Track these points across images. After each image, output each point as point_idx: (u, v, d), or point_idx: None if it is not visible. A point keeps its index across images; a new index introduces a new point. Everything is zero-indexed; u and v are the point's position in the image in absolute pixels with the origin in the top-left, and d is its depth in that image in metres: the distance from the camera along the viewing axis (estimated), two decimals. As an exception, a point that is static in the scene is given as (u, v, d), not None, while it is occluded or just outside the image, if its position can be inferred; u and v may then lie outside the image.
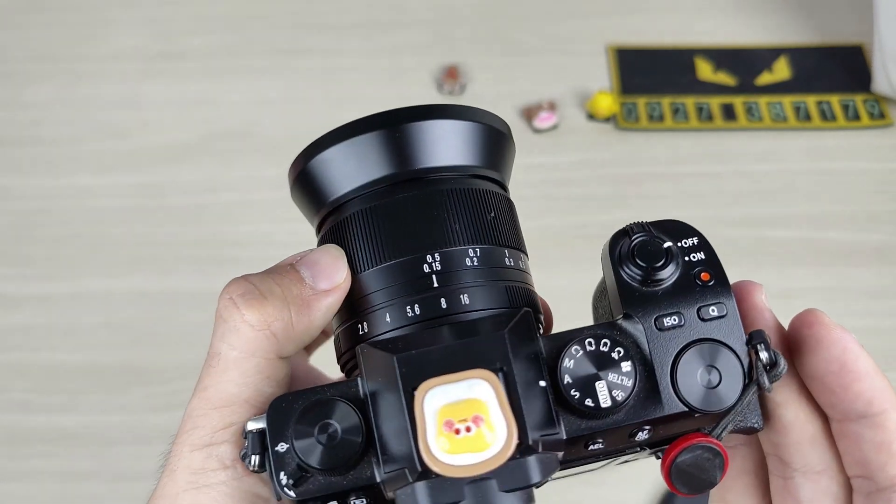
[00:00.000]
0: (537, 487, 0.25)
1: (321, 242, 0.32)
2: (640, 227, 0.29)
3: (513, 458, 0.24)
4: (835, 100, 0.81)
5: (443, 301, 0.28)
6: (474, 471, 0.24)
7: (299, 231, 0.69)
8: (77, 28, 0.89)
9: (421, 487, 0.25)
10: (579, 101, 0.81)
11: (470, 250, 0.29)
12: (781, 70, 0.83)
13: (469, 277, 0.29)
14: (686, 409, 0.27)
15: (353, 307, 0.30)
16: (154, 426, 0.65)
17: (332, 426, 0.26)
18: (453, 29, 0.88)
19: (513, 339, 0.26)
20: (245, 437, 0.27)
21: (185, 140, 0.80)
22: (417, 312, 0.28)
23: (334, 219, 0.31)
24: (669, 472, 0.28)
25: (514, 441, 0.24)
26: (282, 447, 0.26)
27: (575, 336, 0.27)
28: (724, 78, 0.83)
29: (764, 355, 0.27)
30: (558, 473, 0.28)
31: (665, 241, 0.29)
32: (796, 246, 0.72)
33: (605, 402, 0.26)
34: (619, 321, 0.28)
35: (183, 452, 0.28)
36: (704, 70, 0.84)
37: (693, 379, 0.27)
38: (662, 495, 0.61)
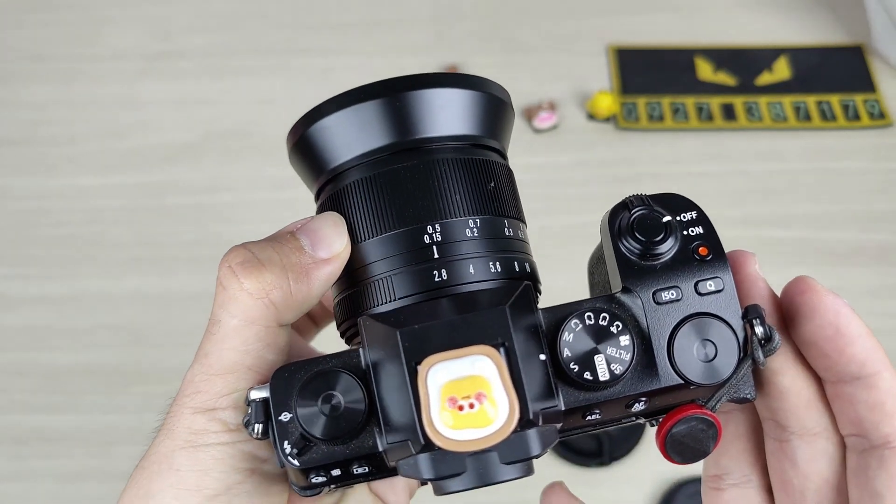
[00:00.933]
0: (537, 458, 0.26)
1: (320, 210, 0.32)
2: (640, 200, 0.30)
3: (514, 431, 0.25)
4: (835, 100, 0.81)
5: (443, 272, 0.28)
6: (476, 445, 0.24)
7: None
8: (77, 28, 0.89)
9: (424, 459, 0.25)
10: (579, 101, 0.81)
11: (470, 221, 0.29)
12: (781, 70, 0.83)
13: (469, 248, 0.29)
14: (682, 381, 0.27)
15: (353, 276, 0.30)
16: (154, 426, 0.65)
17: (335, 397, 0.26)
18: (453, 28, 0.88)
19: (514, 313, 0.26)
20: (248, 405, 0.27)
21: (184, 140, 0.80)
22: (418, 283, 0.28)
23: (333, 187, 0.31)
24: (665, 442, 0.28)
25: (516, 417, 0.25)
26: (285, 416, 0.27)
27: (574, 309, 0.27)
28: (724, 78, 0.83)
29: (759, 330, 0.27)
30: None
31: (664, 215, 0.29)
32: (796, 246, 0.72)
33: (603, 375, 0.26)
34: (618, 294, 0.28)
35: (184, 414, 0.28)
36: (704, 70, 0.84)
37: (689, 352, 0.27)
38: (662, 495, 0.61)
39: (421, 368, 0.25)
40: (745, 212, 0.74)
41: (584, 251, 0.76)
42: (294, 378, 0.27)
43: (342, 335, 0.31)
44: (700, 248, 0.28)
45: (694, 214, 0.29)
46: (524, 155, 0.78)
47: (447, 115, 0.30)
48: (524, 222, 0.32)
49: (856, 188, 0.75)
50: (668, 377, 0.27)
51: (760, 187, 0.75)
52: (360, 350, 0.27)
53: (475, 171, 0.30)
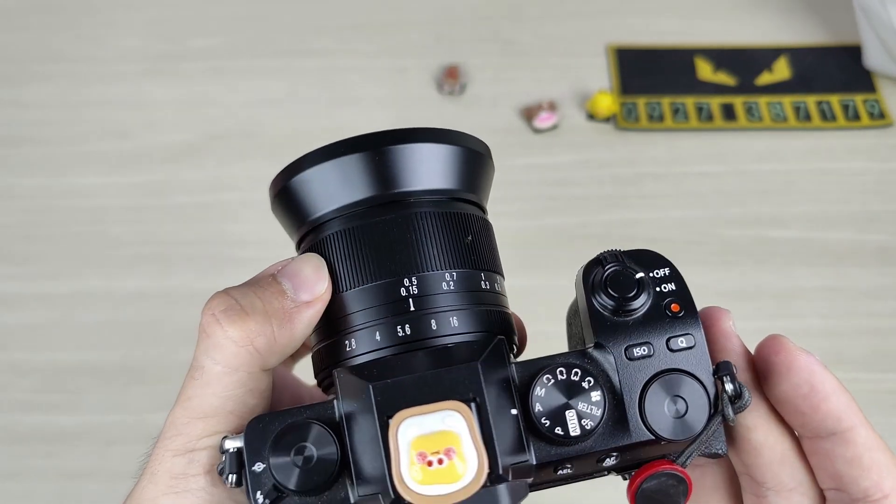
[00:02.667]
0: None
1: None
2: (614, 256, 0.30)
3: (484, 486, 0.25)
4: (835, 100, 0.81)
5: (419, 325, 0.29)
6: (446, 501, 0.25)
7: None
8: (81, 29, 0.89)
9: None
10: (579, 101, 0.81)
11: (447, 274, 0.29)
12: (781, 70, 0.83)
13: (445, 301, 0.29)
14: (653, 437, 0.28)
15: (331, 326, 0.30)
16: (154, 426, 0.65)
17: (308, 449, 0.27)
18: (453, 29, 0.88)
19: (486, 369, 0.27)
20: (222, 454, 0.28)
21: (186, 140, 0.80)
22: (393, 335, 0.29)
23: (313, 238, 0.31)
24: (636, 498, 0.29)
25: (485, 472, 0.25)
26: (258, 467, 0.27)
27: (547, 364, 0.28)
28: (724, 78, 0.83)
29: (729, 387, 0.28)
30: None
31: (637, 272, 0.29)
32: (796, 246, 0.72)
33: (574, 430, 0.27)
34: (591, 350, 0.29)
35: (165, 457, 0.29)
36: (704, 70, 0.84)
37: (660, 408, 0.28)
38: None
39: (392, 422, 0.25)
40: (745, 212, 0.74)
41: (583, 251, 0.76)
42: (268, 429, 0.27)
43: (319, 384, 0.32)
44: (672, 305, 0.29)
45: (667, 271, 0.30)
46: (524, 155, 0.78)
47: (426, 170, 0.30)
48: (501, 275, 0.33)
49: (855, 188, 0.75)
50: (638, 432, 0.28)
51: (760, 187, 0.75)
52: (335, 402, 0.28)
53: (452, 224, 0.30)
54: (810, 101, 0.81)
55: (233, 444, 0.27)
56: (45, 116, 0.83)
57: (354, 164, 0.30)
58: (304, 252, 0.32)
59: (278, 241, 0.74)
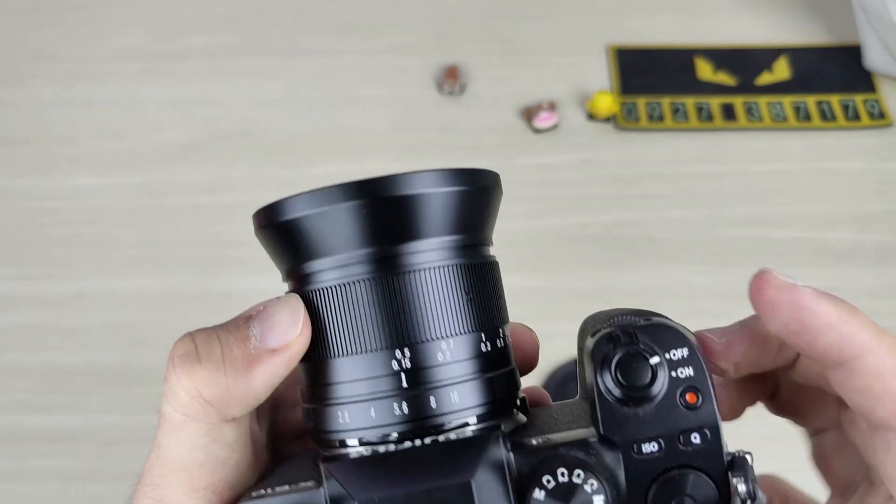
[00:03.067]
0: None
1: None
2: (628, 335, 0.27)
3: None
4: (835, 100, 0.81)
5: (416, 403, 0.27)
6: None
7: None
8: (77, 28, 0.89)
9: None
10: (579, 101, 0.81)
11: (443, 343, 0.27)
12: (781, 70, 0.83)
13: (441, 375, 0.27)
14: None
15: (320, 390, 0.28)
16: (154, 426, 0.65)
17: None
18: (453, 29, 0.88)
19: (480, 485, 0.25)
20: None
21: (184, 140, 0.80)
22: (390, 413, 0.27)
23: (298, 285, 0.29)
24: None
25: None
26: None
27: (547, 458, 0.26)
28: (724, 78, 0.83)
29: (742, 488, 0.26)
30: None
31: (652, 355, 0.27)
32: (796, 246, 0.72)
33: None
34: (595, 442, 0.27)
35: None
36: (704, 70, 0.84)
37: None
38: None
39: None
40: (745, 212, 0.74)
41: (583, 251, 0.76)
42: None
43: (308, 433, 0.30)
44: (688, 395, 0.27)
45: (685, 352, 0.27)
46: (524, 155, 0.78)
47: (424, 221, 0.27)
48: (505, 319, 0.30)
49: (855, 188, 0.75)
50: None
51: (760, 187, 0.75)
52: (321, 490, 0.26)
53: (452, 282, 0.27)
54: (810, 101, 0.81)
55: None
56: (41, 116, 0.83)
57: (344, 213, 0.27)
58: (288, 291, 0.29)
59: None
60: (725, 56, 0.85)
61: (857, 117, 0.79)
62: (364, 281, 0.27)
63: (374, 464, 0.26)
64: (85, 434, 0.65)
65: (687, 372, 0.27)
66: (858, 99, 0.81)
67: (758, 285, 0.28)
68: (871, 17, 0.78)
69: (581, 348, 0.31)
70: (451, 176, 0.27)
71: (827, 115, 0.80)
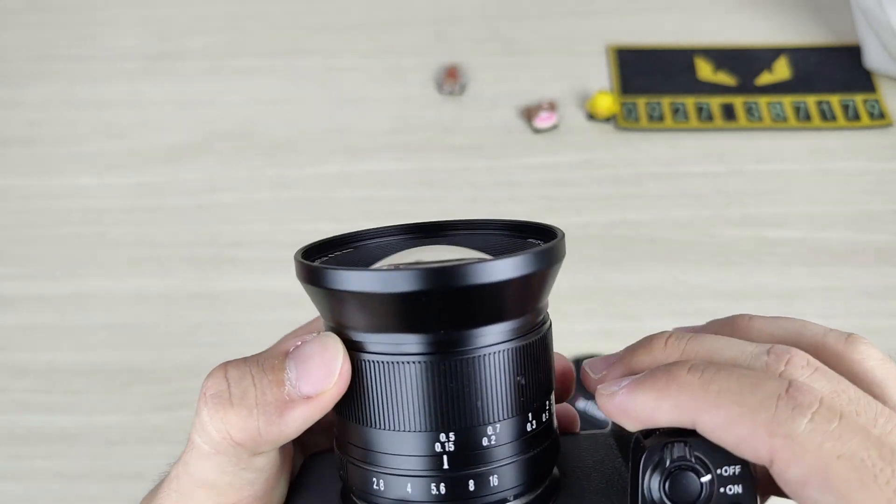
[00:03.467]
0: None
1: None
2: (682, 448, 0.25)
3: None
4: (835, 100, 0.81)
5: (454, 485, 0.26)
6: None
7: (299, 231, 0.69)
8: (77, 28, 0.89)
9: None
10: (579, 101, 0.81)
11: (489, 428, 0.26)
12: (781, 70, 0.83)
13: (484, 459, 0.26)
14: None
15: (351, 448, 0.28)
16: (154, 426, 0.65)
17: None
18: (453, 29, 0.88)
19: None
20: None
21: (184, 140, 0.80)
22: (426, 493, 0.26)
23: (345, 345, 0.28)
24: None
25: None
26: None
27: None
28: (724, 78, 0.83)
29: None
30: None
31: (704, 473, 0.25)
32: (796, 246, 0.72)
33: None
34: None
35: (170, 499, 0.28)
36: (704, 70, 0.84)
37: None
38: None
39: None
40: (745, 212, 0.74)
41: (583, 251, 0.76)
42: None
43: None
44: None
45: (737, 470, 0.25)
46: (524, 155, 0.78)
47: (493, 308, 0.26)
48: (552, 387, 0.29)
49: (855, 188, 0.75)
50: None
51: (760, 187, 0.75)
52: None
53: (504, 367, 0.26)
54: (810, 101, 0.81)
55: None
56: (42, 116, 0.83)
57: (403, 300, 0.25)
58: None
59: (277, 242, 0.74)
60: (725, 56, 0.85)
61: (857, 117, 0.79)
62: (416, 364, 0.26)
63: None
64: (85, 434, 0.65)
65: (736, 490, 0.25)
66: (858, 99, 0.81)
67: (600, 404, 0.27)
68: (871, 19, 0.78)
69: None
70: (525, 261, 0.25)
71: (827, 115, 0.80)
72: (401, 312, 0.25)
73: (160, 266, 0.73)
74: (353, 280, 0.25)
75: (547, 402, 0.28)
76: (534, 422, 0.27)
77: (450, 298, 0.25)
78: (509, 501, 0.27)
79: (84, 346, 0.69)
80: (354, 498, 0.28)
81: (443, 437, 0.26)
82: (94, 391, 0.67)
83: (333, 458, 0.29)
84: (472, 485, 0.26)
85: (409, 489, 0.26)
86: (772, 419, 0.23)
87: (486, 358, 0.26)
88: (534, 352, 0.27)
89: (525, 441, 0.27)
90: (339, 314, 0.27)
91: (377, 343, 0.26)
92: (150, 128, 0.82)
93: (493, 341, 0.26)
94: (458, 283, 0.25)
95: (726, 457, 0.25)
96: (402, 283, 0.25)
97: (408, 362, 0.26)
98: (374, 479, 0.27)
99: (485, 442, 0.26)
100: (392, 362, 0.26)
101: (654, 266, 0.71)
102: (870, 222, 0.73)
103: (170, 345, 0.69)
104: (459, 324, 0.26)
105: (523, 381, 0.27)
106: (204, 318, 0.70)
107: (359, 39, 0.87)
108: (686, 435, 0.25)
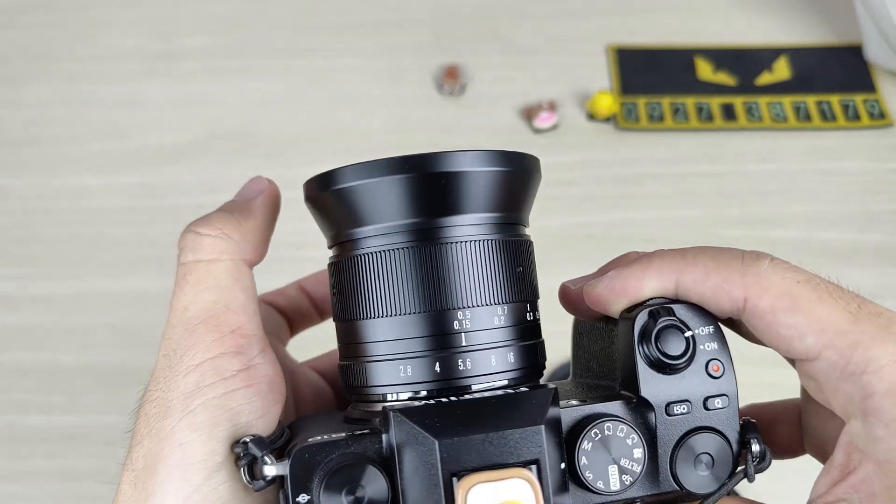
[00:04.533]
0: None
1: (336, 267, 0.32)
2: (666, 311, 0.30)
3: None
4: (835, 100, 0.81)
5: (468, 361, 0.29)
6: None
7: (299, 231, 0.69)
8: (77, 28, 0.89)
9: None
10: (579, 101, 0.81)
11: (498, 308, 0.30)
12: (781, 70, 0.83)
13: (495, 337, 0.30)
14: (678, 489, 0.30)
15: (375, 346, 0.30)
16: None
17: (361, 490, 0.27)
18: (453, 29, 0.88)
19: (547, 431, 0.28)
20: (264, 481, 0.28)
21: (184, 140, 0.80)
22: (453, 368, 0.29)
23: (349, 248, 0.31)
24: None
25: None
26: (303, 498, 0.27)
27: (593, 416, 0.29)
28: (724, 78, 0.83)
29: (756, 448, 0.30)
30: None
31: (686, 330, 0.30)
32: (796, 246, 0.72)
33: (615, 485, 0.29)
34: (635, 403, 0.30)
35: (175, 381, 0.30)
36: (704, 70, 0.84)
37: (689, 463, 0.30)
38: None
39: (460, 486, 0.26)
40: (745, 212, 0.74)
41: (583, 251, 0.76)
42: (314, 461, 0.27)
43: (348, 393, 0.32)
44: (713, 366, 0.30)
45: (712, 329, 0.31)
46: (524, 155, 0.78)
47: (484, 195, 0.30)
48: (538, 295, 0.33)
49: (855, 188, 0.75)
50: (667, 484, 0.30)
51: (760, 187, 0.75)
52: (384, 437, 0.28)
53: (506, 255, 0.30)
54: (810, 101, 0.81)
55: (274, 471, 0.27)
56: (41, 117, 0.83)
57: (410, 183, 0.30)
58: (343, 260, 0.31)
59: (278, 241, 0.74)
60: (725, 56, 0.85)
61: (857, 117, 0.79)
62: (435, 247, 0.29)
63: (442, 412, 0.28)
64: (85, 434, 0.65)
65: (712, 346, 0.31)
66: (858, 99, 0.81)
67: (587, 293, 0.32)
68: (872, 12, 0.78)
69: (578, 332, 0.36)
70: (497, 157, 0.31)
71: (827, 115, 0.80)
72: (415, 195, 0.30)
73: (160, 266, 0.73)
74: (352, 173, 0.30)
75: (537, 301, 0.32)
76: (531, 313, 0.31)
77: (432, 180, 0.29)
78: (510, 383, 0.30)
79: (84, 346, 0.69)
80: (364, 405, 0.31)
81: (460, 314, 0.29)
82: (94, 391, 0.67)
83: (318, 416, 0.32)
84: (493, 360, 0.29)
85: (437, 368, 0.29)
86: (741, 264, 0.29)
87: (494, 244, 0.30)
88: (526, 249, 0.32)
89: (527, 327, 0.31)
90: (356, 214, 0.30)
91: (396, 235, 0.30)
92: (150, 128, 0.82)
93: (495, 228, 0.30)
94: (438, 167, 0.30)
95: (701, 318, 0.30)
96: (414, 165, 0.30)
97: (429, 248, 0.29)
98: (401, 366, 0.29)
99: (495, 321, 0.30)
100: (412, 248, 0.29)
101: (654, 266, 0.71)
102: (870, 222, 0.73)
103: (170, 345, 0.69)
104: (442, 210, 0.30)
105: (521, 270, 0.31)
106: (204, 318, 0.70)
107: (359, 39, 0.87)
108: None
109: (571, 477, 0.28)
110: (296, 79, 0.84)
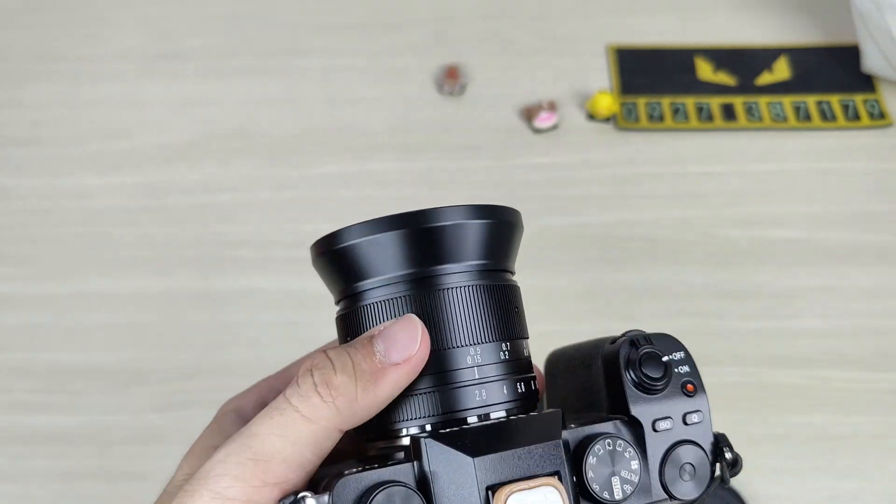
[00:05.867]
0: None
1: (344, 320, 0.34)
2: (645, 339, 0.35)
3: None
4: (835, 100, 0.81)
5: (483, 392, 0.32)
6: None
7: (299, 231, 0.69)
8: (77, 28, 0.89)
9: None
10: (579, 101, 0.81)
11: (503, 345, 0.33)
12: (781, 70, 0.83)
13: (501, 370, 0.33)
14: (668, 497, 0.33)
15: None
16: (154, 426, 0.65)
17: None
18: (453, 29, 0.88)
19: (565, 444, 0.32)
20: None
21: (184, 140, 0.80)
22: (462, 400, 0.32)
23: (361, 300, 0.33)
24: None
25: None
26: None
27: (595, 434, 0.33)
28: (724, 78, 0.83)
29: (729, 455, 0.34)
30: None
31: (664, 355, 0.35)
32: (796, 246, 0.72)
33: (618, 494, 0.32)
34: (626, 421, 0.34)
35: (203, 496, 0.29)
36: (704, 70, 0.84)
37: (675, 472, 0.34)
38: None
39: (497, 496, 0.29)
40: (745, 212, 0.74)
41: (583, 251, 0.76)
42: (356, 490, 0.29)
43: (361, 434, 0.34)
44: (688, 385, 0.35)
45: (682, 354, 0.35)
46: (524, 155, 0.78)
47: (483, 244, 0.34)
48: (527, 335, 0.36)
49: (855, 188, 0.75)
50: (657, 493, 0.34)
51: (760, 187, 0.75)
52: (414, 464, 0.30)
53: (506, 296, 0.34)
54: (810, 101, 0.81)
55: (314, 502, 0.29)
56: (42, 117, 0.83)
57: (411, 237, 0.33)
58: (355, 309, 0.33)
59: (278, 241, 0.74)
60: (725, 56, 0.85)
61: (857, 117, 0.79)
62: (449, 290, 0.33)
63: (473, 434, 0.31)
64: (85, 434, 0.65)
65: (685, 369, 0.35)
66: (858, 99, 0.81)
67: None
68: (870, 25, 0.78)
69: (551, 374, 0.40)
70: (499, 210, 0.35)
71: (827, 116, 0.80)
72: (415, 248, 0.33)
73: (160, 266, 0.73)
74: (354, 232, 0.33)
75: (527, 340, 0.36)
76: (526, 350, 0.35)
77: (428, 233, 0.33)
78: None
79: (84, 346, 0.69)
80: (382, 443, 0.34)
81: (472, 350, 0.33)
82: (94, 391, 0.67)
83: (331, 465, 0.33)
84: (504, 389, 0.33)
85: (458, 398, 0.32)
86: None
87: (495, 288, 0.34)
88: (517, 293, 0.35)
89: (523, 361, 0.35)
90: (360, 271, 0.33)
91: (412, 284, 0.33)
92: (149, 128, 0.82)
93: (492, 274, 0.34)
94: (432, 222, 0.33)
95: (672, 345, 0.35)
96: (390, 225, 0.33)
97: (444, 292, 0.33)
98: (425, 400, 0.32)
99: (500, 356, 0.33)
100: (433, 292, 0.32)
101: (653, 266, 0.71)
102: (870, 222, 0.73)
103: (170, 345, 0.69)
104: (435, 260, 0.33)
105: (517, 309, 0.35)
106: (204, 318, 0.70)
107: (359, 39, 0.87)
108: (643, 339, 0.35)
109: (581, 492, 0.32)
110: (296, 79, 0.84)
